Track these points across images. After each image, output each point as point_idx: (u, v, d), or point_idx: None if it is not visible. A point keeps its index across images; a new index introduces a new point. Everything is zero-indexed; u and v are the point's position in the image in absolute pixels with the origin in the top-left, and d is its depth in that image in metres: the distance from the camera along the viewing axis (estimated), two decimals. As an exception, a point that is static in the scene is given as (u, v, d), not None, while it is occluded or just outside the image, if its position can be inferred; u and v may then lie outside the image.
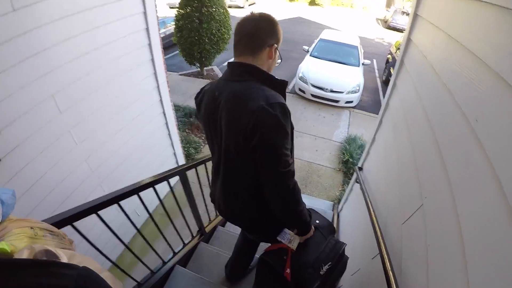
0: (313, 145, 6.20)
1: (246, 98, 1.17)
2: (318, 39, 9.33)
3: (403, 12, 21.02)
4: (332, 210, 4.17)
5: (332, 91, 7.64)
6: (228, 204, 1.51)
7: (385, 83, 10.27)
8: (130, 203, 1.78)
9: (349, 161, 5.47)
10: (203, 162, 2.63)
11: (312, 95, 7.86)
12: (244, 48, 1.28)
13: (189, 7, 7.84)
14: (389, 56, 10.65)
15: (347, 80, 7.80)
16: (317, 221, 1.66)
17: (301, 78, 7.97)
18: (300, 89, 8.13)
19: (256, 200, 1.38)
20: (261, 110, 1.12)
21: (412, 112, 1.88)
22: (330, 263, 1.48)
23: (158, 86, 3.71)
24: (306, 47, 9.26)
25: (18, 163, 2.11)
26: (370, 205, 2.17)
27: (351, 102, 7.77)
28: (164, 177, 2.07)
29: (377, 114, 7.29)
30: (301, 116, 7.33)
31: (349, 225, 3.18)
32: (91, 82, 2.65)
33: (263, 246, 1.99)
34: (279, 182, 1.19)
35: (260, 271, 1.69)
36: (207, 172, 2.63)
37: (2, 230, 0.85)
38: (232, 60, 1.33)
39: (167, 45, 11.56)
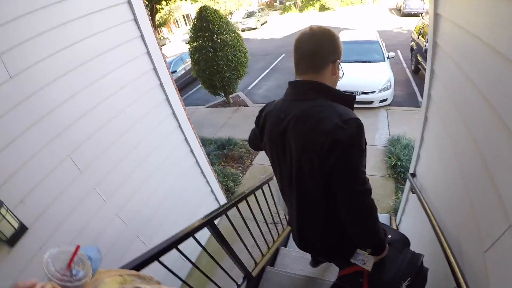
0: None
1: (318, 116, 1.15)
2: (337, 43, 9.01)
3: None
4: (390, 224, 3.78)
5: (363, 92, 7.28)
6: (301, 230, 1.50)
7: (415, 72, 9.74)
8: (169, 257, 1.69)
9: (397, 165, 5.04)
10: (241, 199, 2.47)
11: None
12: (306, 67, 1.25)
13: (200, 39, 7.95)
14: (412, 43, 10.12)
15: (376, 78, 7.42)
16: (389, 236, 1.54)
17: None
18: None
19: (329, 224, 1.37)
20: (337, 128, 1.10)
21: (465, 100, 1.51)
22: (409, 278, 1.41)
23: (179, 125, 3.61)
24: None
25: (47, 229, 2.04)
26: (436, 225, 1.81)
27: (385, 100, 7.34)
28: (190, 231, 1.89)
29: (416, 107, 6.87)
30: (336, 126, 6.94)
31: (412, 241, 2.83)
32: (106, 136, 2.58)
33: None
34: (357, 200, 1.17)
35: None
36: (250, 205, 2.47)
37: (95, 281, 0.92)
38: (293, 79, 1.31)
39: (190, 80, 11.77)
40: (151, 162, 3.14)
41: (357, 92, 7.26)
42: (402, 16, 20.44)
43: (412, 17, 18.83)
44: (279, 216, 3.55)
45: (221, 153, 6.31)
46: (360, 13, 23.27)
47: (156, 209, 3.20)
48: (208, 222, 2.05)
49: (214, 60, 7.96)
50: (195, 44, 8.17)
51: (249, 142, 1.72)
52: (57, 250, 0.83)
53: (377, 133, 6.41)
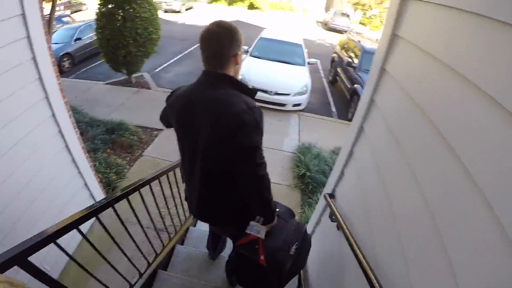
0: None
1: (228, 102, 1.37)
2: (258, 38, 8.60)
3: (343, 14, 22.13)
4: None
5: (277, 93, 6.90)
6: (203, 201, 1.66)
7: (332, 82, 9.94)
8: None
9: (306, 175, 4.64)
10: (123, 196, 1.94)
11: (255, 100, 6.96)
12: (213, 63, 1.42)
13: (110, 4, 6.78)
14: (334, 55, 10.34)
15: (293, 80, 7.13)
16: (277, 209, 1.72)
17: (241, 81, 6.96)
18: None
19: (229, 195, 1.59)
20: (244, 113, 1.33)
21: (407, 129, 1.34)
22: (296, 243, 1.67)
23: (46, 96, 2.66)
24: (245, 47, 8.38)
25: None
26: (364, 262, 1.43)
27: (299, 105, 7.07)
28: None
29: (329, 117, 6.74)
30: (245, 124, 6.45)
31: (322, 270, 2.40)
32: None
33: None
34: (256, 172, 1.41)
35: (238, 264, 1.76)
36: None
37: None
38: (204, 69, 1.46)
39: (96, 51, 10.20)
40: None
41: (271, 92, 6.88)
42: (327, 30, 21.82)
43: (336, 33, 20.34)
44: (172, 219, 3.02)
45: (108, 138, 5.29)
46: (287, 19, 23.84)
47: (6, 205, 2.35)
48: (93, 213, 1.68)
49: (120, 30, 6.83)
50: (103, 9, 6.94)
51: (160, 118, 1.80)
52: None
53: (287, 138, 6.05)
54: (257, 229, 1.59)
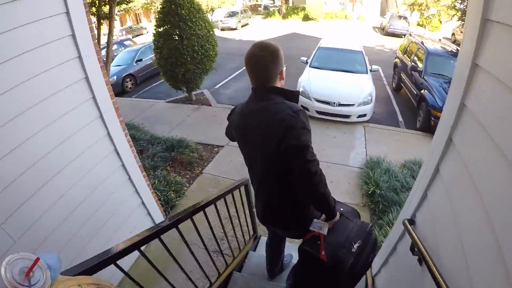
0: (325, 175, 4.78)
1: (275, 110, 1.52)
2: (317, 48, 8.23)
3: (400, 17, 21.25)
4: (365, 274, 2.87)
5: (340, 104, 6.44)
6: (267, 206, 1.84)
7: (396, 90, 9.24)
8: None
9: (375, 193, 4.14)
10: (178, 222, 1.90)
11: (317, 112, 6.63)
12: (260, 82, 1.58)
13: (167, 24, 6.94)
14: (396, 60, 9.66)
15: (356, 90, 6.63)
16: (342, 209, 1.82)
17: (302, 93, 6.70)
18: (302, 106, 6.79)
19: (291, 197, 1.70)
20: (290, 116, 1.47)
21: None
22: (359, 241, 1.68)
23: (101, 115, 2.63)
24: (304, 58, 8.08)
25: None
26: None
27: (364, 115, 6.54)
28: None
29: (396, 127, 6.22)
30: (307, 139, 6.10)
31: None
32: None
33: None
34: (308, 168, 1.44)
35: (300, 260, 1.81)
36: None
37: None
38: (253, 86, 1.63)
39: (156, 72, 10.61)
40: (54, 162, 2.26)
41: (334, 103, 6.44)
42: (385, 35, 20.84)
43: (395, 37, 19.39)
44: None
45: (168, 156, 5.25)
46: (343, 27, 23.25)
47: (59, 223, 2.34)
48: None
49: (178, 49, 6.92)
50: (160, 30, 7.12)
51: (226, 133, 1.95)
52: (16, 257, 0.83)
53: (353, 152, 5.56)
54: (319, 225, 1.68)
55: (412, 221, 1.93)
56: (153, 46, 7.51)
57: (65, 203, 2.36)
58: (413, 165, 4.83)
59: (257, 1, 40.38)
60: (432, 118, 6.02)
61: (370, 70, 7.38)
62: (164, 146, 5.48)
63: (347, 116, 6.50)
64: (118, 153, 2.90)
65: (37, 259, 0.86)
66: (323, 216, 1.71)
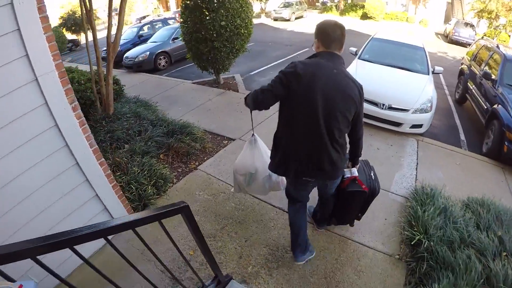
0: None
1: (349, 78, 1.97)
2: (369, 39, 6.90)
3: (466, 24, 19.05)
4: None
5: (390, 108, 5.08)
6: (317, 158, 2.08)
7: (459, 102, 7.67)
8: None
9: (422, 244, 2.74)
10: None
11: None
12: (337, 47, 2.00)
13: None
14: (463, 66, 8.05)
15: (413, 92, 5.26)
16: None
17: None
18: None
19: (341, 148, 2.14)
20: (361, 86, 2.02)
21: None
22: (371, 170, 2.76)
23: (36, 79, 2.18)
24: (353, 49, 6.68)
25: None
26: None
27: (420, 126, 5.10)
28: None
29: (457, 147, 4.68)
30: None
31: None
32: None
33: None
34: (363, 124, 2.25)
35: (346, 198, 2.59)
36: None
37: None
38: (328, 51, 1.99)
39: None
40: None
41: (383, 105, 5.13)
42: (448, 42, 19.03)
43: (459, 46, 17.67)
44: None
45: (165, 142, 4.33)
46: (403, 29, 21.57)
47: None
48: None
49: (202, 22, 5.97)
50: (188, 1, 6.24)
51: (256, 103, 2.18)
52: None
53: (398, 173, 4.19)
54: (352, 172, 2.51)
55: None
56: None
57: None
58: (480, 207, 3.31)
59: (315, -5, 38.99)
60: (506, 143, 4.57)
61: (433, 72, 5.92)
62: (165, 130, 4.57)
63: (398, 124, 5.11)
64: (59, 130, 2.41)
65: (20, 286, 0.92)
66: (346, 166, 2.52)
